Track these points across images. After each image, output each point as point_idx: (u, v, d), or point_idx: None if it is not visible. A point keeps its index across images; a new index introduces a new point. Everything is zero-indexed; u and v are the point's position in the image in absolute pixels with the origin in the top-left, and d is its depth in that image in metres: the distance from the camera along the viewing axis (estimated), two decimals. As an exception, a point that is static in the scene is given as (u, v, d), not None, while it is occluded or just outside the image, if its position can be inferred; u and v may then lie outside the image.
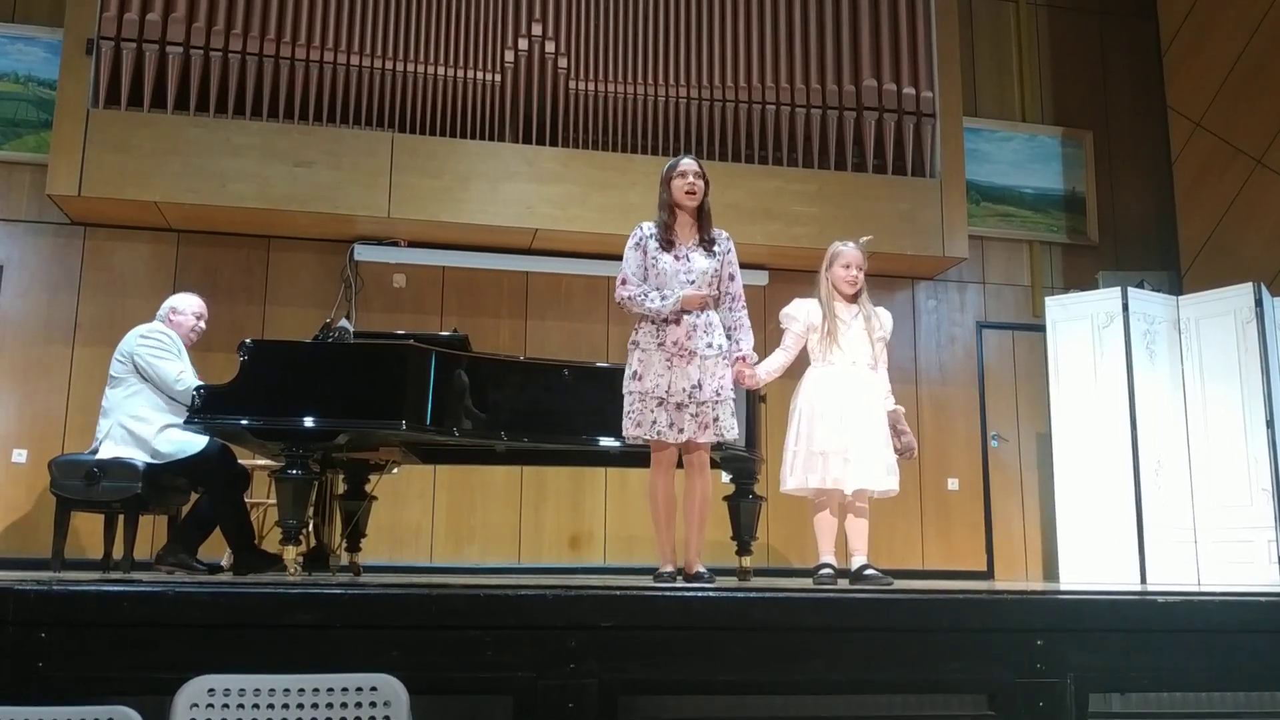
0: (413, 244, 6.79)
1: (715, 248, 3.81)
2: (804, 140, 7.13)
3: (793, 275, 6.78)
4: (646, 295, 3.72)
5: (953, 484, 7.44)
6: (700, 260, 3.77)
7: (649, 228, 3.82)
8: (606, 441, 4.43)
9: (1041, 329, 7.18)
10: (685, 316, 3.71)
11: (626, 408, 3.73)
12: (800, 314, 4.08)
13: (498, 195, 6.60)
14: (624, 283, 3.78)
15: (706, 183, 3.83)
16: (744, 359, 3.79)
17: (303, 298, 6.74)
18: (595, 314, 7.10)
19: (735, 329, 3.82)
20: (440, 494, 6.73)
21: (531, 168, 6.69)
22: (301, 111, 6.53)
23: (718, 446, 4.03)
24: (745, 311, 3.86)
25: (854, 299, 4.05)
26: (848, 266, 4.02)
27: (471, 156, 6.63)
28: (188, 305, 4.86)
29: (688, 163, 3.81)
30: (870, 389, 3.96)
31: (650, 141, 6.93)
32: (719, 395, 3.70)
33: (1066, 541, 6.75)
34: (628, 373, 3.75)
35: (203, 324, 4.88)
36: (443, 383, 4.21)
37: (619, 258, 3.87)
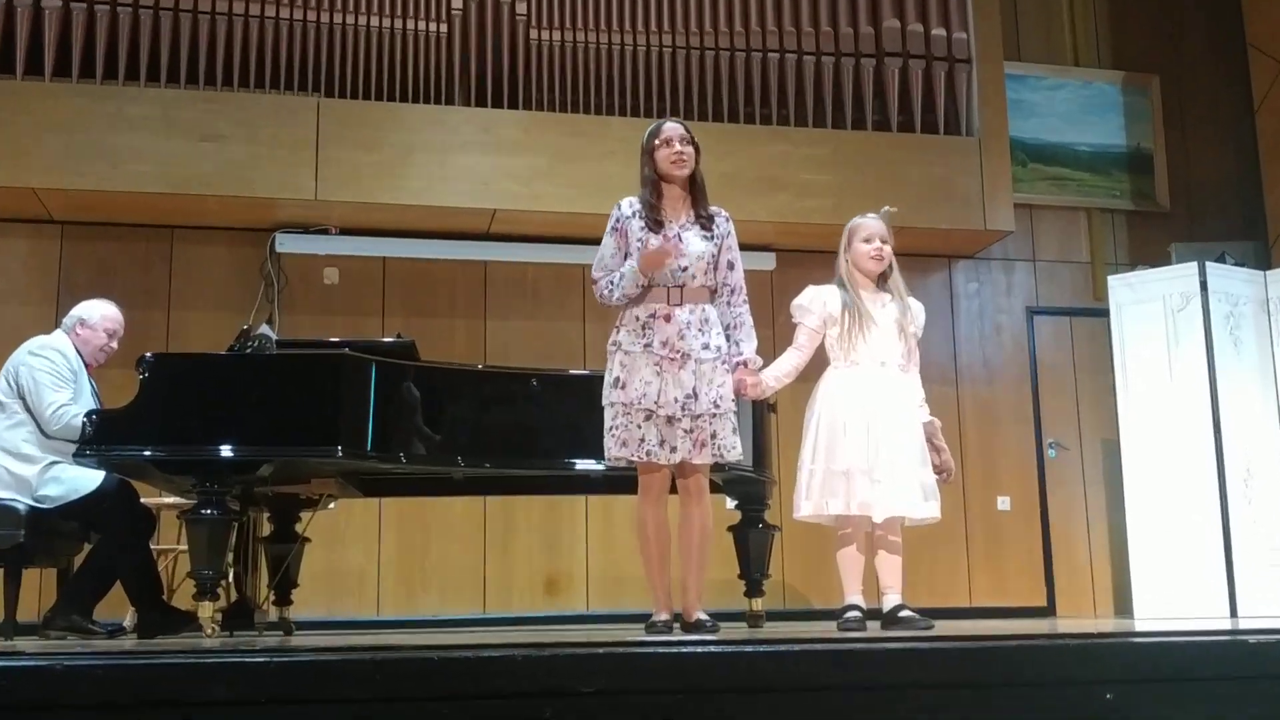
0: (346, 231, 6.77)
1: (713, 228, 3.82)
2: (814, 95, 7.13)
3: (804, 257, 6.79)
4: (611, 282, 3.75)
5: (1003, 503, 7.46)
6: (695, 242, 3.77)
7: (631, 204, 3.84)
8: (586, 464, 4.44)
9: (1105, 313, 7.19)
10: (677, 312, 3.71)
11: (608, 423, 3.73)
12: (816, 304, 4.07)
13: (447, 170, 6.59)
14: (594, 278, 3.80)
15: (696, 149, 3.84)
16: (745, 365, 3.79)
17: (215, 300, 6.71)
18: (569, 310, 7.09)
19: (735, 328, 3.83)
20: (387, 533, 6.71)
21: (487, 136, 6.67)
22: (208, 75, 6.50)
23: (719, 468, 4.03)
24: (747, 307, 3.86)
25: (882, 283, 4.06)
26: (869, 240, 4.03)
27: (414, 124, 6.61)
28: (101, 319, 4.74)
29: (671, 127, 3.83)
30: (903, 394, 3.96)
31: (629, 101, 6.92)
32: (718, 407, 3.70)
33: (1141, 569, 6.76)
34: (608, 380, 3.75)
35: (115, 344, 4.78)
36: (386, 399, 4.22)
37: (597, 241, 3.87)
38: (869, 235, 4.04)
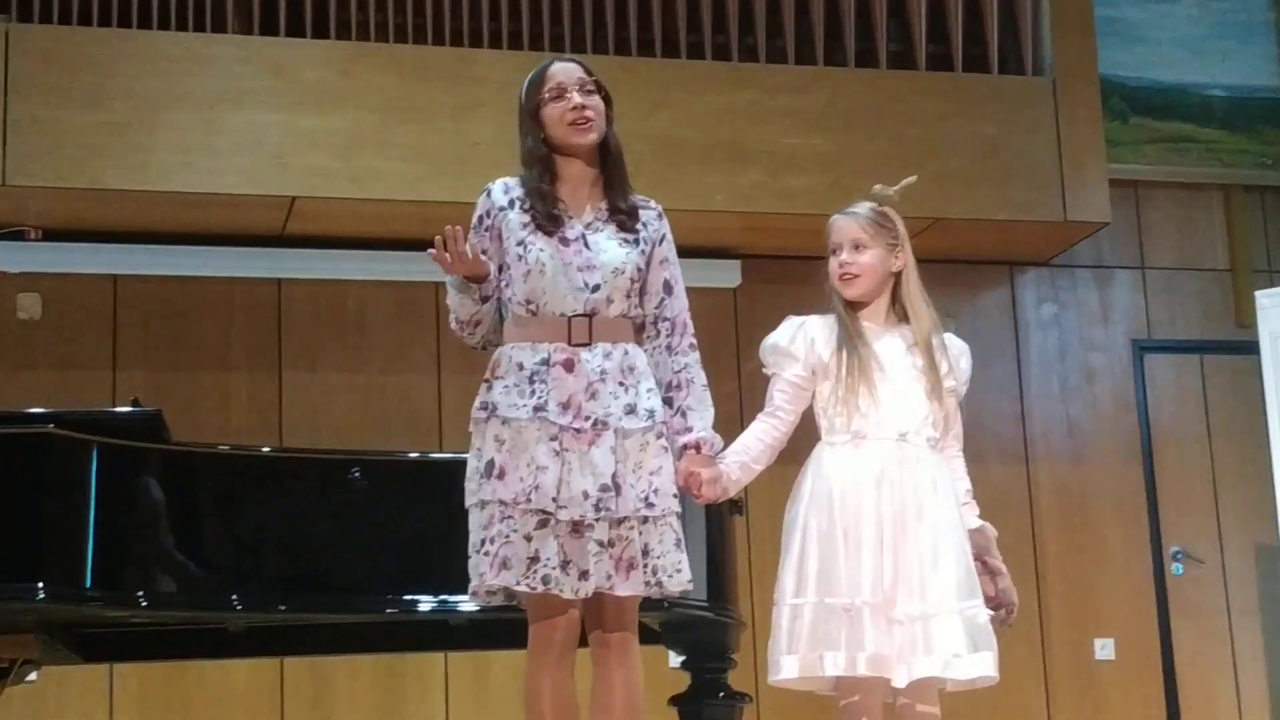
0: (51, 235, 6.74)
1: (638, 227, 3.83)
2: (797, 15, 7.18)
3: (785, 268, 6.79)
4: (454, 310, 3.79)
5: (1103, 649, 7.50)
6: (610, 247, 3.76)
7: (508, 189, 3.81)
8: (443, 602, 4.43)
9: (1253, 348, 7.29)
10: (585, 356, 3.68)
11: (477, 534, 3.71)
12: (799, 344, 4.07)
13: (217, 135, 6.55)
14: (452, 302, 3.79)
15: (607, 100, 3.84)
16: (697, 449, 3.77)
17: None
18: (415, 355, 7.08)
19: (678, 388, 3.81)
20: (123, 718, 6.63)
21: (281, 81, 6.67)
22: None
23: (655, 604, 4.02)
24: (696, 355, 3.85)
25: (893, 312, 4.08)
26: (835, 250, 4.05)
27: (163, 64, 6.58)
28: None
29: (563, 69, 3.81)
30: (935, 484, 3.98)
31: (506, 24, 6.94)
32: (651, 506, 3.68)
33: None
34: (475, 465, 3.72)
35: None
36: (116, 504, 4.19)
37: None
38: (834, 243, 4.03)
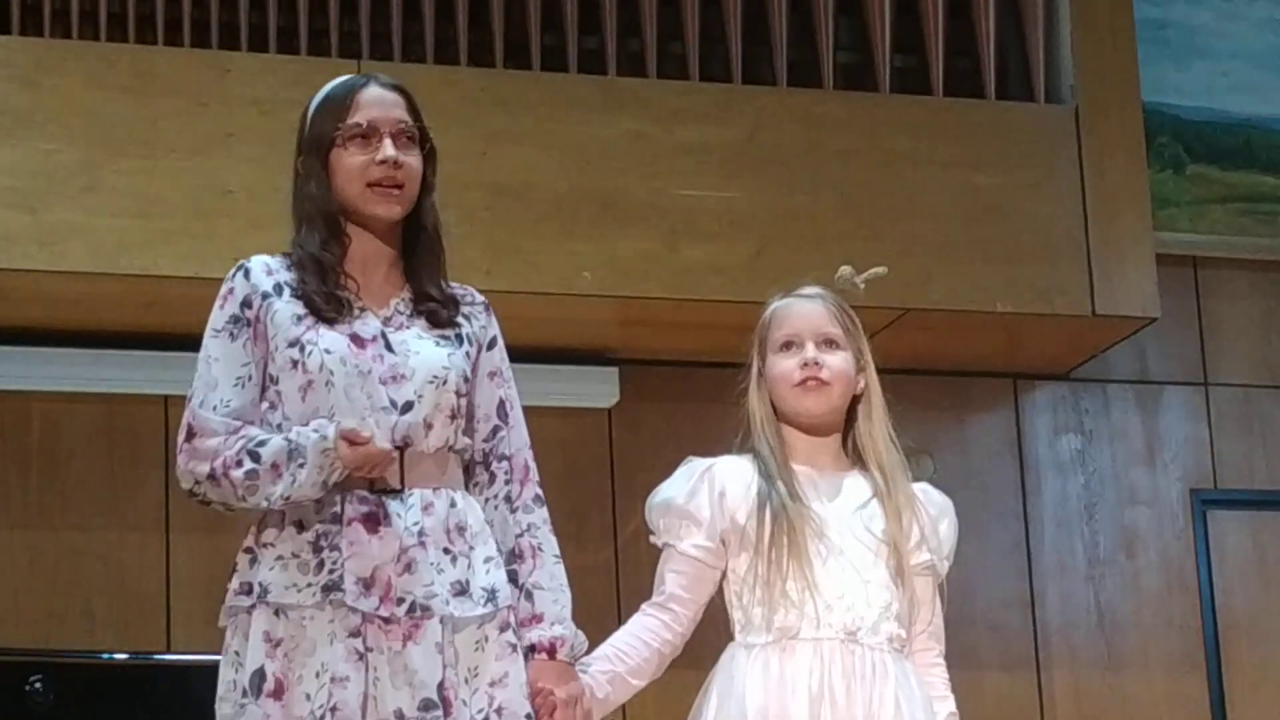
0: None
1: (458, 320, 3.88)
2: (703, 5, 7.31)
3: (684, 378, 6.92)
4: (240, 451, 3.66)
5: None
6: (425, 345, 3.79)
7: (272, 273, 3.83)
8: None
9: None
10: (394, 509, 3.68)
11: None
12: (702, 501, 4.08)
13: None
14: (190, 430, 3.76)
15: (430, 153, 3.89)
16: (550, 651, 3.80)
17: None
18: (132, 502, 7.06)
19: (520, 556, 3.85)
20: None
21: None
22: None
23: None
24: (543, 510, 3.91)
25: (843, 453, 4.13)
26: (791, 345, 4.08)
27: None
28: None
29: (379, 100, 3.84)
30: (900, 705, 3.99)
31: (271, 17, 7.00)
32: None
33: None
34: (229, 678, 3.70)
35: None
36: None
37: (194, 341, 3.86)
38: (791, 336, 4.07)
